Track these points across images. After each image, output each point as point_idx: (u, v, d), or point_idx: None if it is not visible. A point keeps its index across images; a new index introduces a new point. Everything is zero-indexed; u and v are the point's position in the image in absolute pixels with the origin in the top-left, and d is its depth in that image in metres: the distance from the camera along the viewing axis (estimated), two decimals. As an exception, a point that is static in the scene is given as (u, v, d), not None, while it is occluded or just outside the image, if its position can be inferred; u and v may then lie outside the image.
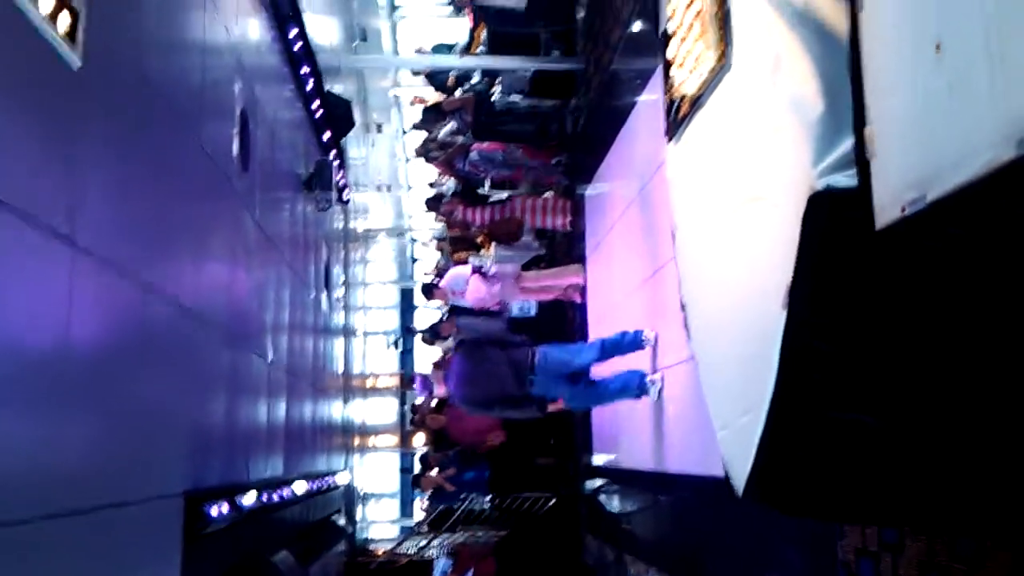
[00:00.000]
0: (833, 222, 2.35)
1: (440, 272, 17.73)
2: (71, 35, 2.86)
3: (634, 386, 6.16)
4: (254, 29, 6.13)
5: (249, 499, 5.31)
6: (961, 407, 2.40)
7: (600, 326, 7.98)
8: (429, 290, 8.24)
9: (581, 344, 6.40)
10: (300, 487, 7.29)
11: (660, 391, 5.93)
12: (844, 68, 2.29)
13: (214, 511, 4.59)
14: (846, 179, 2.31)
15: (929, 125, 1.85)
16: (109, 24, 3.33)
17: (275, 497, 6.26)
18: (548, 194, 10.16)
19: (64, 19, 2.79)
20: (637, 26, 6.85)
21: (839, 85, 2.35)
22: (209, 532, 4.58)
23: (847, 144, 2.31)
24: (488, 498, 11.07)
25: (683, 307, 3.48)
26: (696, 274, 3.35)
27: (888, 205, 1.98)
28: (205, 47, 4.84)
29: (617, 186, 7.66)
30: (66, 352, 3.06)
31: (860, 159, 2.13)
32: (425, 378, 7.04)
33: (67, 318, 3.05)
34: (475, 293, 8.11)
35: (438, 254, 16.77)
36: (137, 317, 3.75)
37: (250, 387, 5.95)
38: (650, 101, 6.13)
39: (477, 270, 8.28)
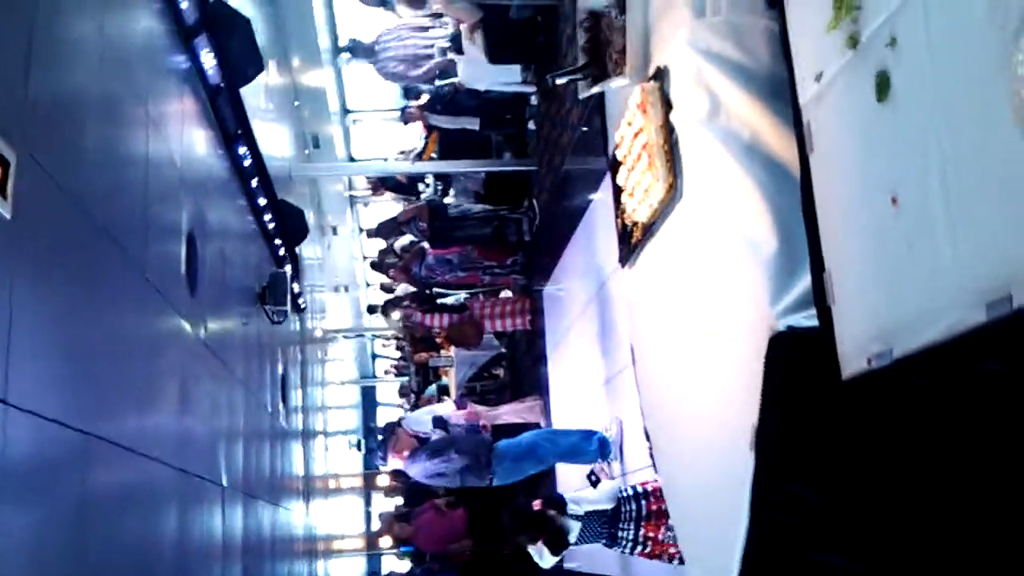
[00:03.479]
0: (797, 364, 2.28)
1: (399, 370, 17.55)
2: (1, 189, 2.74)
3: (591, 449, 6.12)
4: (201, 148, 6.05)
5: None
6: (932, 548, 2.31)
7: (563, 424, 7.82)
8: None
9: (538, 440, 6.43)
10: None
11: (621, 436, 5.89)
12: (797, 204, 2.24)
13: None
14: (807, 320, 2.25)
15: (890, 278, 1.79)
16: (44, 168, 3.21)
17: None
18: (506, 293, 10.09)
19: (-9, 175, 2.67)
20: (585, 131, 6.89)
21: (792, 221, 2.30)
22: None
23: (805, 282, 2.25)
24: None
25: (647, 436, 3.37)
26: (658, 406, 3.25)
27: (853, 356, 1.91)
28: (148, 170, 4.73)
29: (575, 284, 7.61)
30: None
31: (820, 303, 2.07)
32: (384, 441, 6.84)
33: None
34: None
35: (398, 353, 16.63)
36: (77, 468, 3.56)
37: (203, 517, 5.70)
38: (605, 199, 6.13)
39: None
